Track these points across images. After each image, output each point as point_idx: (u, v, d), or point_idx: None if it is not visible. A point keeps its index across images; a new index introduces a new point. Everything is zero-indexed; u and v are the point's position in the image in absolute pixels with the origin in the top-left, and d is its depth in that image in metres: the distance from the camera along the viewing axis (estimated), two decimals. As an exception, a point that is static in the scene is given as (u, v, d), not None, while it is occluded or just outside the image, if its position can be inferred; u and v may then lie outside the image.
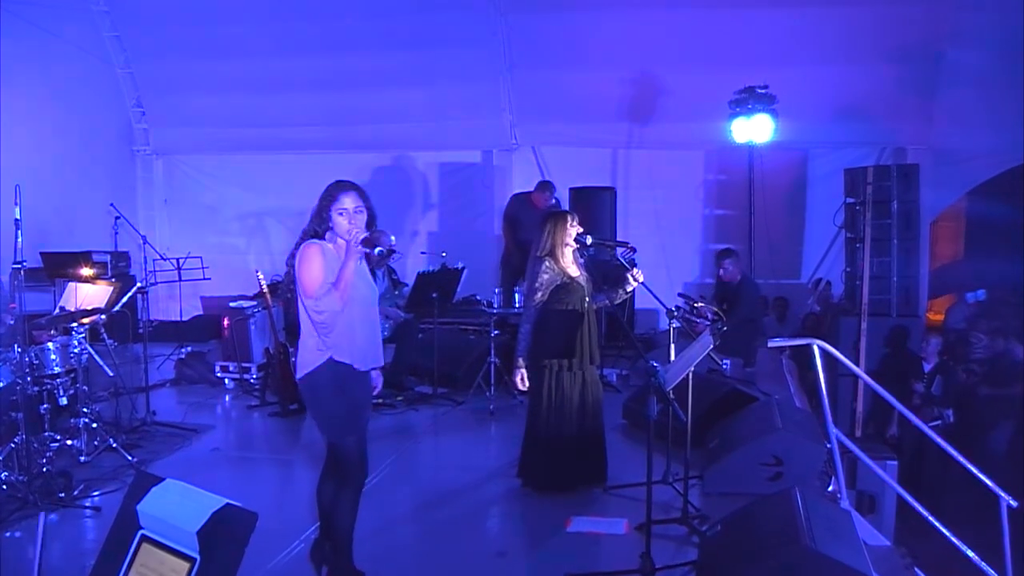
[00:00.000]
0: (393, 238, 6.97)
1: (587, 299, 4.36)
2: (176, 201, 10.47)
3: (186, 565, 2.37)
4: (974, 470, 4.24)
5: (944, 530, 4.17)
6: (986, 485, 4.21)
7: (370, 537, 3.90)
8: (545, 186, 8.13)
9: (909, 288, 7.22)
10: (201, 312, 9.59)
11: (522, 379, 4.35)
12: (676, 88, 8.74)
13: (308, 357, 3.13)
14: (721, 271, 6.96)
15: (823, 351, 4.41)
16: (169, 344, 8.06)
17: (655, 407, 3.32)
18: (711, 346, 3.95)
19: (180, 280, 8.44)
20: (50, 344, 4.87)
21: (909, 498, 4.34)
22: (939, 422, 6.58)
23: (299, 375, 3.19)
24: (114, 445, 4.93)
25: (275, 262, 8.53)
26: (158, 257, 8.21)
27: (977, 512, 4.43)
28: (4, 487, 4.23)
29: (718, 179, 9.40)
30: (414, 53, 8.95)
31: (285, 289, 3.40)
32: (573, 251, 4.35)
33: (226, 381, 7.11)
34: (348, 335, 3.13)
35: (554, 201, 8.11)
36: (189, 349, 7.85)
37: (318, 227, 3.14)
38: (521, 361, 4.35)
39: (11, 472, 4.33)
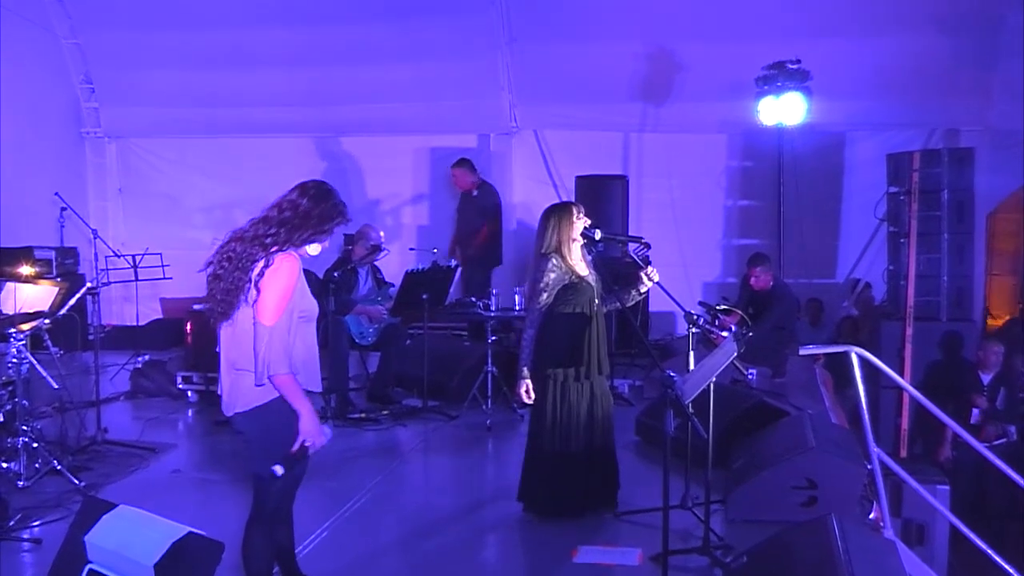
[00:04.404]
0: (382, 233, 7.01)
1: (596, 301, 4.35)
2: (131, 190, 10.44)
3: (141, 603, 2.36)
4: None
5: (1006, 565, 4.15)
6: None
7: (352, 569, 3.91)
8: (462, 162, 8.33)
9: (962, 289, 7.20)
10: (160, 316, 9.58)
11: (527, 391, 4.35)
12: (696, 64, 8.73)
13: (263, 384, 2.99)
14: (752, 279, 6.94)
15: (862, 359, 4.40)
16: (124, 352, 8.04)
17: (672, 422, 3.31)
18: (735, 354, 3.93)
19: (136, 280, 8.43)
20: (-15, 352, 4.86)
21: (963, 527, 4.32)
22: (1003, 440, 6.56)
23: (252, 404, 3.00)
24: (58, 467, 4.89)
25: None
26: (111, 254, 8.19)
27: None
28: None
29: (743, 166, 9.39)
30: (400, 24, 8.92)
31: (230, 293, 2.97)
32: (581, 247, 4.35)
33: (189, 394, 7.09)
34: (311, 354, 3.11)
35: (480, 180, 8.37)
36: (147, 357, 7.82)
37: (314, 235, 3.02)
38: (525, 371, 4.34)
39: (-61, 498, 4.31)
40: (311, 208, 3.01)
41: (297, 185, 3.10)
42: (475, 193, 8.43)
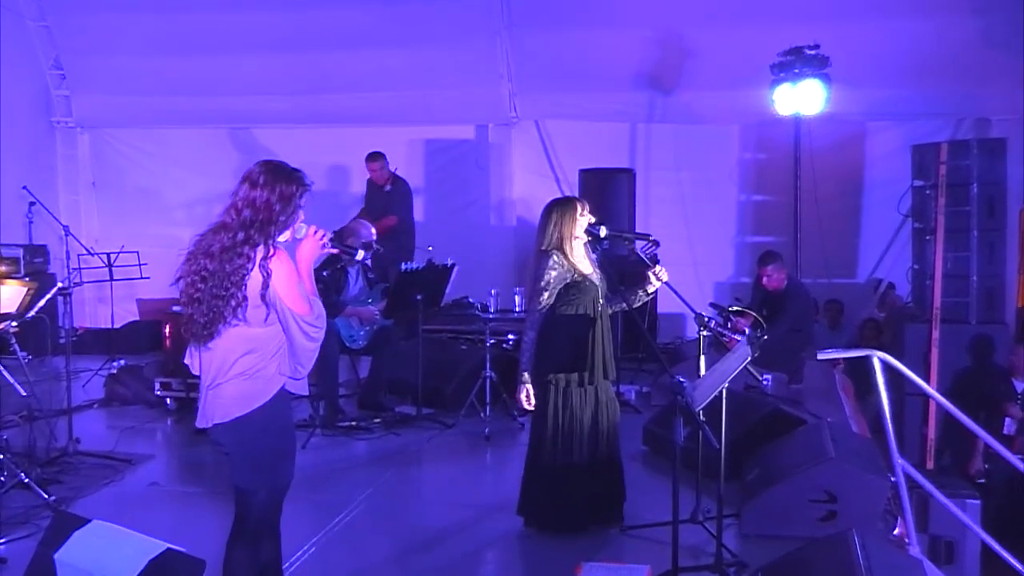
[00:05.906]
0: (374, 230, 7.01)
1: (601, 302, 4.36)
2: (106, 184, 10.45)
3: (115, 624, 2.35)
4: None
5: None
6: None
7: (339, 589, 3.91)
8: (377, 156, 8.37)
9: (993, 289, 7.18)
10: (137, 318, 9.58)
11: (528, 397, 4.36)
12: (707, 49, 8.74)
13: (259, 387, 3.03)
14: (764, 279, 6.94)
15: (885, 364, 4.39)
16: (97, 356, 8.05)
17: (682, 431, 3.31)
18: (749, 358, 3.93)
19: (111, 279, 8.44)
20: (-52, 357, 4.86)
21: (995, 545, 4.31)
22: None
23: (232, 416, 3.01)
24: (26, 480, 4.86)
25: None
26: (84, 252, 8.20)
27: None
28: None
29: (757, 158, 9.40)
30: (393, 8, 8.95)
31: (214, 316, 2.96)
32: (584, 244, 4.35)
33: (167, 401, 7.07)
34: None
35: (393, 170, 8.43)
36: (122, 362, 7.83)
37: (287, 219, 3.01)
38: (526, 376, 4.35)
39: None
40: (269, 195, 2.97)
41: (242, 178, 3.04)
42: (388, 188, 8.48)
